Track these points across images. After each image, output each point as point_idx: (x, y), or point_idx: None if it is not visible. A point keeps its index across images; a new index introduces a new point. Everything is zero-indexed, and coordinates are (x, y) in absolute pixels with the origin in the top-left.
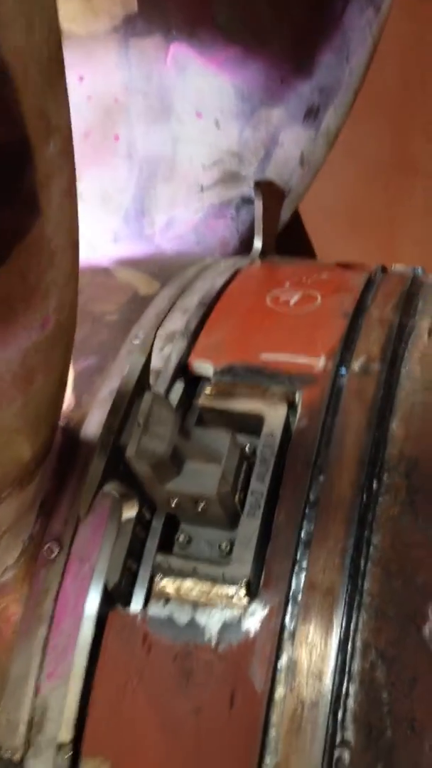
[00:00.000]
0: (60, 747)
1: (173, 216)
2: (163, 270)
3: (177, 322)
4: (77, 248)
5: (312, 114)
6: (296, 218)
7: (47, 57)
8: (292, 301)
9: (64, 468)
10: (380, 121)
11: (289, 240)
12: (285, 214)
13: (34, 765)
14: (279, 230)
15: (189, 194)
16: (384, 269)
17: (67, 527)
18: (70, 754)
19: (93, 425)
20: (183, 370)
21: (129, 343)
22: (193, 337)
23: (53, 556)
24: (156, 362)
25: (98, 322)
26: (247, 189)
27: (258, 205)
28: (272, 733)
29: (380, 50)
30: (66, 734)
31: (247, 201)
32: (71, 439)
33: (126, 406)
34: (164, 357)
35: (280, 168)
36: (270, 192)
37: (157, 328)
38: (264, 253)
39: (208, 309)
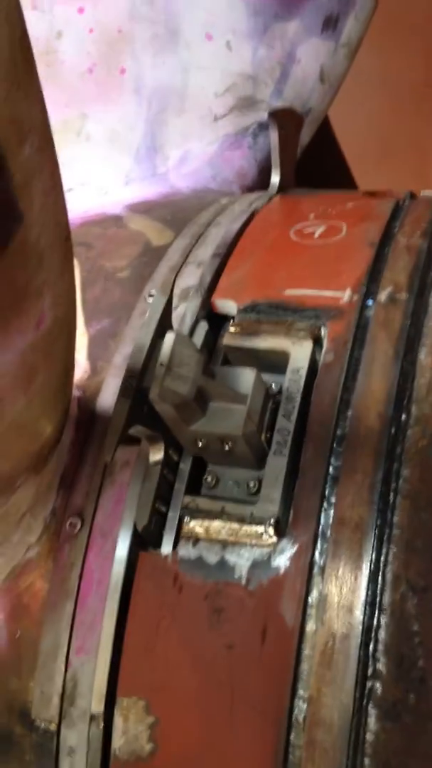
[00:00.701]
0: (92, 718)
1: (187, 150)
2: (176, 216)
3: (191, 277)
4: (69, 240)
5: (331, 24)
6: (334, 145)
7: (9, 57)
8: (317, 233)
9: (82, 439)
10: (412, 45)
11: (324, 167)
12: (305, 137)
13: (68, 734)
14: (298, 155)
15: (202, 125)
16: (413, 195)
17: (89, 500)
18: (102, 726)
19: (109, 393)
20: (206, 309)
21: (142, 302)
22: (213, 281)
23: (76, 531)
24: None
25: (110, 279)
26: (264, 114)
27: (274, 137)
28: (304, 666)
29: None
30: (97, 706)
31: (264, 127)
32: (88, 409)
33: (148, 347)
34: (179, 315)
35: (299, 87)
36: (286, 120)
37: (173, 285)
38: (282, 186)
39: (223, 259)
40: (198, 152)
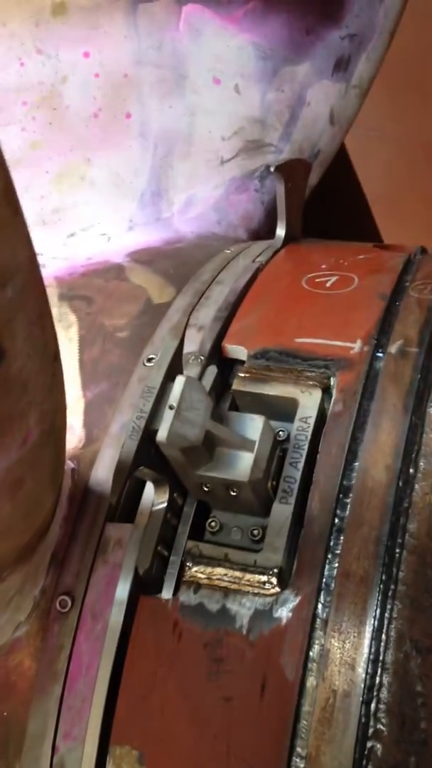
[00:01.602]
0: None
1: (192, 195)
2: (178, 270)
3: (191, 343)
4: (57, 359)
5: (342, 65)
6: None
7: None
8: (329, 283)
9: (75, 515)
10: (420, 98)
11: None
12: (313, 179)
13: None
14: (306, 196)
15: (208, 169)
16: (424, 250)
17: (80, 579)
18: None
19: (105, 465)
20: (217, 354)
21: (141, 367)
22: (233, 309)
23: (66, 610)
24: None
25: (109, 340)
26: (272, 157)
27: (280, 191)
28: (303, 723)
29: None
30: None
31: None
32: (82, 482)
33: (159, 389)
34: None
35: (308, 129)
36: (293, 172)
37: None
38: (288, 237)
39: (225, 323)
40: (203, 196)
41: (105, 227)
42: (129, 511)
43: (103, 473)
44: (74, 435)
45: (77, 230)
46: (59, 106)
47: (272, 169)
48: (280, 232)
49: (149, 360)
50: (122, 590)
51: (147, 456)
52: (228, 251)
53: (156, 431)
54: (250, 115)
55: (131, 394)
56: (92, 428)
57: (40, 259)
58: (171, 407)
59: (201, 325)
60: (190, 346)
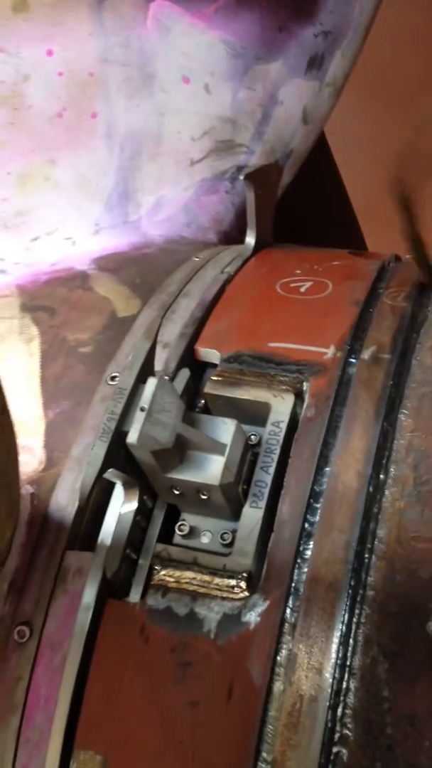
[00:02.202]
0: None
1: (161, 197)
2: (144, 279)
3: (155, 361)
4: (6, 412)
5: (316, 63)
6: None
7: None
8: (303, 288)
9: (34, 541)
10: (397, 110)
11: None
12: (286, 178)
13: None
14: (279, 196)
15: (178, 170)
16: (398, 258)
17: (38, 608)
18: None
19: (65, 489)
20: (189, 357)
21: (104, 385)
22: (200, 325)
23: (24, 640)
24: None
25: (72, 355)
26: (244, 158)
27: (250, 199)
28: (269, 728)
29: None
30: None
31: (243, 170)
32: (41, 507)
33: (130, 391)
34: (161, 363)
35: (281, 129)
36: (263, 179)
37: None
38: (260, 243)
39: (190, 340)
40: (172, 198)
41: (70, 231)
42: (96, 516)
43: (63, 498)
44: (34, 457)
45: (41, 234)
46: (21, 105)
47: (242, 177)
48: (250, 240)
49: (113, 378)
50: (83, 618)
51: (117, 458)
52: (197, 259)
53: (126, 433)
54: (221, 115)
55: (94, 415)
56: (53, 450)
57: (2, 265)
58: (142, 409)
59: (166, 342)
60: (155, 364)
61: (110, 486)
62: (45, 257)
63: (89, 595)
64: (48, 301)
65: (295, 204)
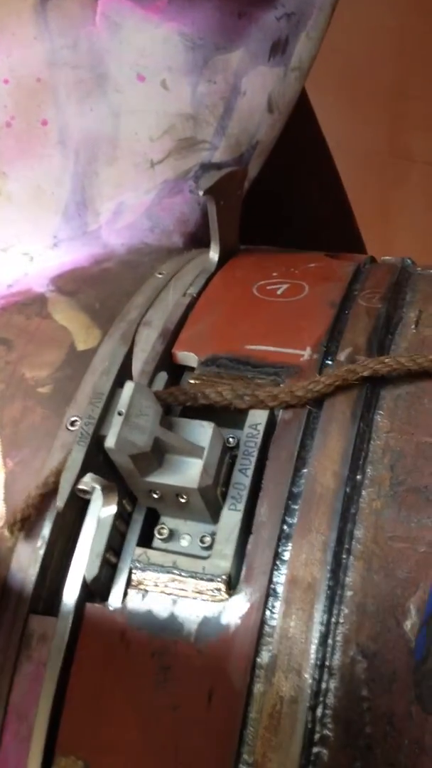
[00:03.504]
0: None
1: (121, 203)
2: (104, 304)
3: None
4: None
5: (279, 48)
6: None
7: None
8: (280, 291)
9: None
10: (375, 110)
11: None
12: (253, 171)
13: None
14: (246, 190)
15: (138, 174)
16: (373, 259)
17: (3, 676)
18: None
19: (27, 549)
20: (166, 361)
21: (64, 431)
22: (152, 376)
23: None
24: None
25: (30, 396)
26: (207, 154)
27: (212, 213)
28: (250, 729)
29: (378, 39)
30: None
31: (207, 168)
32: (3, 567)
33: (107, 395)
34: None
35: (245, 121)
36: (225, 189)
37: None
38: (224, 254)
39: (151, 377)
40: (133, 203)
41: (27, 246)
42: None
43: (25, 557)
44: None
45: None
46: None
47: (201, 194)
48: (214, 255)
49: (72, 423)
50: (48, 689)
51: (95, 462)
52: (159, 276)
53: (104, 437)
54: (181, 112)
55: (54, 462)
56: (14, 504)
57: None
58: (120, 413)
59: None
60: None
61: (73, 545)
62: (1, 277)
63: (69, 599)
64: (4, 332)
65: (285, 197)
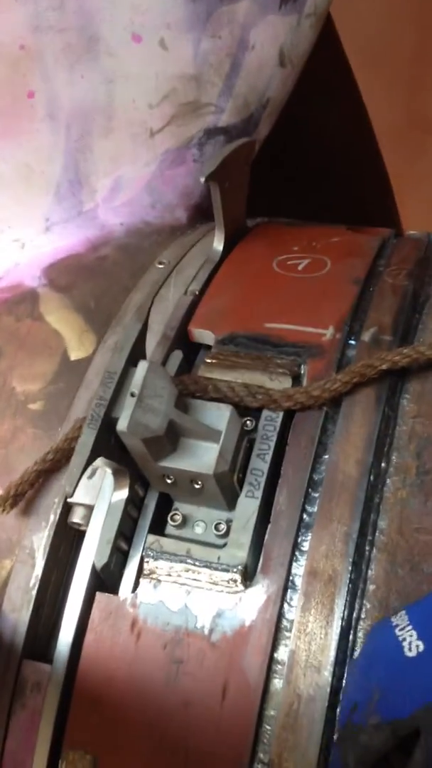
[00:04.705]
0: None
1: (118, 178)
2: (99, 302)
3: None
4: None
5: None
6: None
7: None
8: (301, 266)
9: None
10: (392, 80)
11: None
12: (263, 132)
13: None
14: (259, 148)
15: (136, 145)
16: (398, 234)
17: None
18: None
19: (18, 586)
20: (182, 338)
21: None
22: (190, 310)
23: None
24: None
25: (21, 414)
26: (212, 118)
27: (216, 199)
28: (266, 728)
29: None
30: None
31: (212, 133)
32: None
33: (120, 375)
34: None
35: (254, 78)
36: (228, 173)
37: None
38: (231, 236)
39: (185, 318)
40: (132, 177)
41: (18, 231)
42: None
43: (17, 596)
44: None
45: None
46: None
47: (203, 180)
48: (218, 245)
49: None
50: (79, 587)
51: (106, 446)
52: (160, 266)
53: (116, 419)
54: (182, 73)
55: (46, 495)
56: (5, 537)
57: None
58: (132, 394)
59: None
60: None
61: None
62: None
63: (79, 588)
64: None
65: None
